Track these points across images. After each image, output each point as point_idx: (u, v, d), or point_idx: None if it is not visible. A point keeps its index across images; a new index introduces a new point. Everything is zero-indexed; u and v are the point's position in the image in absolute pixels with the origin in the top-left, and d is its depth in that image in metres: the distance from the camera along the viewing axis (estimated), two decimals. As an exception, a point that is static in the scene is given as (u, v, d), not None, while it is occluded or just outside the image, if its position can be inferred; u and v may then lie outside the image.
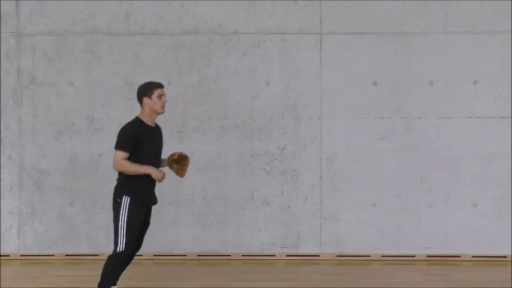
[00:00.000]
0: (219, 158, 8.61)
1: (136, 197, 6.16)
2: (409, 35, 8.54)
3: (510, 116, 8.48)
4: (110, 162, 8.59)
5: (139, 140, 6.13)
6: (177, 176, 6.44)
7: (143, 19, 8.63)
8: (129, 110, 8.62)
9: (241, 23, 8.60)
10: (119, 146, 6.13)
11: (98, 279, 6.22)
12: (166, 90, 8.49)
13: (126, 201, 6.16)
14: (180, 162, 6.41)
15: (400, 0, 8.53)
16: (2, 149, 8.65)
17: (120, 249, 6.16)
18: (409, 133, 8.55)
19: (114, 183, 8.55)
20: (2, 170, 8.66)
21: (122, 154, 6.10)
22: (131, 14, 8.62)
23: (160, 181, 6.19)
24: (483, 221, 8.53)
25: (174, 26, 8.63)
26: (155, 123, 6.36)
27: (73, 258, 8.63)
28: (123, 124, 8.52)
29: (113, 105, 8.63)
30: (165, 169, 6.38)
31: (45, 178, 8.65)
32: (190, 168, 8.59)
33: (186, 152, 6.53)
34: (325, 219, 8.60)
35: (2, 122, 8.65)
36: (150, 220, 6.42)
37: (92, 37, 8.64)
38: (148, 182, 6.22)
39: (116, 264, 6.21)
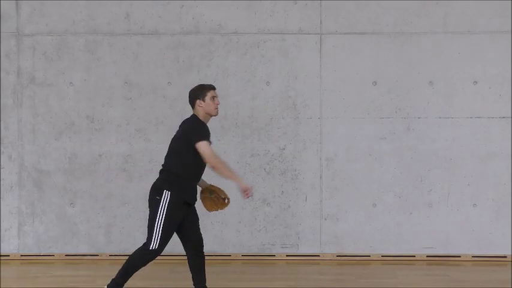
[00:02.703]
0: (219, 158, 8.61)
1: (179, 195, 6.00)
2: (409, 35, 8.54)
3: (510, 116, 8.48)
4: (110, 162, 8.63)
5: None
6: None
7: (143, 19, 8.63)
8: (129, 110, 8.63)
9: (241, 23, 8.61)
10: (200, 137, 5.93)
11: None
12: (167, 90, 8.56)
13: (166, 197, 5.98)
14: (216, 198, 6.31)
15: (400, 0, 8.53)
16: (2, 149, 8.65)
17: (153, 247, 5.98)
18: (409, 133, 8.55)
19: (114, 183, 8.60)
20: (2, 170, 8.66)
21: (207, 145, 5.92)
22: (131, 14, 8.63)
23: (247, 194, 6.01)
24: (483, 221, 8.53)
25: (174, 26, 8.63)
26: None
27: (73, 258, 8.63)
28: (123, 124, 8.59)
29: (113, 105, 8.63)
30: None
31: (45, 178, 8.65)
32: (190, 168, 8.62)
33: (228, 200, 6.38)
34: (325, 219, 8.60)
35: (2, 122, 8.66)
36: (197, 213, 6.25)
37: (92, 37, 8.64)
38: (193, 182, 6.09)
39: (142, 261, 6.05)
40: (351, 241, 8.60)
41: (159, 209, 5.99)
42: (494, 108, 8.50)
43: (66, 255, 8.67)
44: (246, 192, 6.03)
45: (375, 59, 8.55)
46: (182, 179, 6.03)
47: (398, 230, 8.57)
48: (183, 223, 6.16)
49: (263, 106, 8.60)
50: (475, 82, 8.51)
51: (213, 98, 6.17)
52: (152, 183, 6.13)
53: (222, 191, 6.34)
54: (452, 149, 8.54)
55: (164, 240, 6.02)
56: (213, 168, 5.99)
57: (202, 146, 5.94)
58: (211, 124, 8.50)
